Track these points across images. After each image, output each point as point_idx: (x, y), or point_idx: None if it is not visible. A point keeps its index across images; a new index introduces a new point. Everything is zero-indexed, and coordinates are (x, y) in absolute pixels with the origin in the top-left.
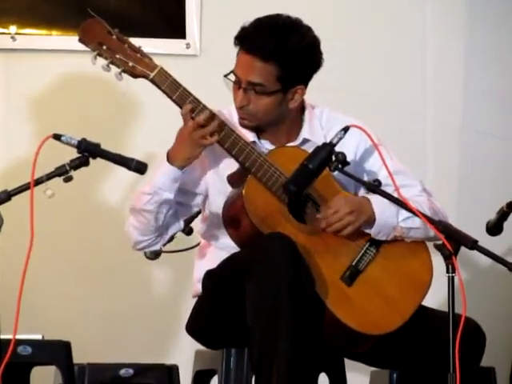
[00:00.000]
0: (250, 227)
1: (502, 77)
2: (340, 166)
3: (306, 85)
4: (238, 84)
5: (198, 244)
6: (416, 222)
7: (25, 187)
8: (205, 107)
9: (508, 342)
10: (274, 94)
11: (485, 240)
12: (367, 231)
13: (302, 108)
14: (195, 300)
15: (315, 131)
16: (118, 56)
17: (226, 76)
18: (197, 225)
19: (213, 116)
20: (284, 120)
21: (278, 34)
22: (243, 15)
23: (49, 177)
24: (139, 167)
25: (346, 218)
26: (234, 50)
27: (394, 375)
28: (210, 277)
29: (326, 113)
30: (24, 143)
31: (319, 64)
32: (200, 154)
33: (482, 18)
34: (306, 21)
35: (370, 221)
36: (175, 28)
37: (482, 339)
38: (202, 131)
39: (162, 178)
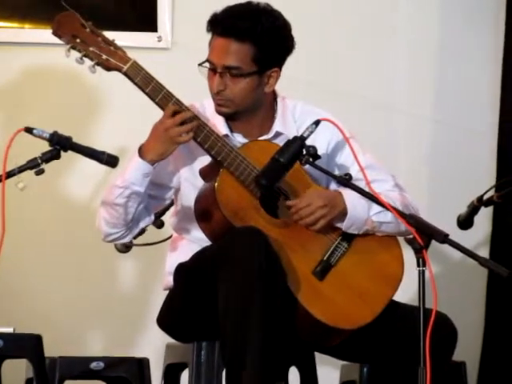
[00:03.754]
0: (221, 221)
1: (473, 71)
2: (311, 159)
3: (280, 68)
4: (213, 70)
5: (170, 237)
6: (387, 216)
7: None
8: (178, 101)
9: (478, 337)
10: (250, 75)
11: (456, 234)
12: (339, 225)
13: (274, 99)
14: (166, 293)
15: (288, 124)
16: (91, 49)
17: (200, 64)
18: (168, 218)
19: (194, 117)
20: (259, 107)
21: (251, 15)
22: (214, 9)
23: (20, 169)
24: (110, 160)
25: (318, 212)
26: (206, 42)
27: (365, 369)
28: (181, 270)
29: (299, 106)
30: None
31: (292, 46)
32: (174, 150)
33: (454, 12)
34: None
35: (342, 214)
36: (147, 21)
37: (452, 333)
38: (178, 129)
39: (133, 172)
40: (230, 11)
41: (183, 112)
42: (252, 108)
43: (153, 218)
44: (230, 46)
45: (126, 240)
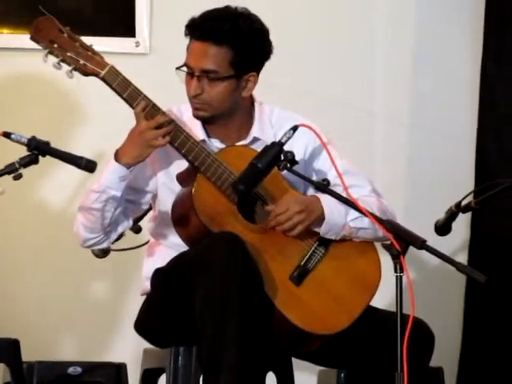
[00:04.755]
0: (198, 226)
1: (450, 76)
2: (289, 165)
3: (258, 73)
4: (190, 74)
5: (147, 242)
6: (365, 222)
7: None
8: (155, 106)
9: (456, 342)
10: (228, 79)
11: (434, 240)
12: (316, 230)
13: (251, 103)
14: (143, 298)
15: (265, 130)
16: (69, 54)
17: (178, 68)
18: (146, 223)
19: (168, 119)
20: (236, 112)
21: (230, 19)
22: (193, 14)
23: None
24: (88, 165)
25: (295, 217)
26: (184, 47)
27: (342, 375)
28: (159, 275)
29: (276, 111)
30: None
31: (270, 51)
32: (150, 154)
33: (432, 15)
34: None
35: (320, 220)
36: (125, 27)
37: (430, 339)
38: (154, 132)
39: (109, 176)
40: (207, 15)
41: (159, 116)
42: (229, 112)
43: (131, 222)
44: (208, 50)
45: (104, 245)
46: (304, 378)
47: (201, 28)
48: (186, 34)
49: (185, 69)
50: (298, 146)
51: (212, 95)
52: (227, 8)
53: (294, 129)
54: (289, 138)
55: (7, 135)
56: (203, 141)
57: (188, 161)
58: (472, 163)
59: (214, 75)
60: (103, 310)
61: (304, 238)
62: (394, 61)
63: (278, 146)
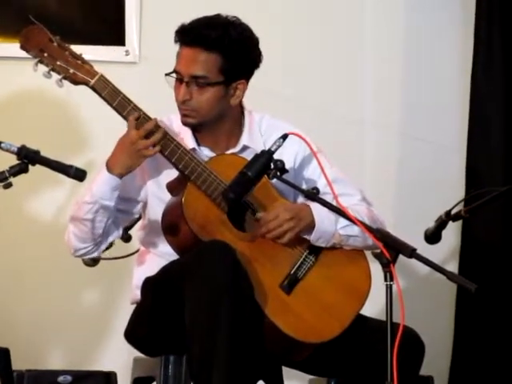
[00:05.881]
0: (189, 235)
1: (440, 85)
2: (278, 173)
3: (247, 81)
4: (180, 80)
5: (137, 251)
6: (355, 230)
7: None
8: (145, 115)
9: (446, 351)
10: (217, 85)
11: (424, 248)
12: (306, 237)
13: (241, 112)
14: (133, 307)
15: (255, 138)
16: (58, 63)
17: (167, 74)
18: (135, 232)
19: (157, 127)
20: (225, 119)
21: (220, 26)
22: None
23: None
24: (78, 174)
25: (285, 225)
26: (174, 56)
27: (332, 383)
28: (149, 284)
29: (265, 119)
30: None
31: (259, 60)
32: (141, 163)
33: (420, 28)
34: None
35: (310, 227)
36: (115, 35)
37: (420, 348)
38: (144, 142)
39: (101, 187)
40: (198, 22)
41: (147, 124)
42: (217, 120)
43: (121, 232)
44: (198, 56)
45: (95, 255)
46: None
47: (191, 34)
48: (175, 41)
49: (174, 75)
50: (288, 155)
51: (200, 101)
52: (218, 16)
53: (284, 137)
54: (278, 147)
55: None
56: (193, 149)
57: (178, 169)
58: (462, 172)
59: (204, 81)
60: (93, 318)
61: (294, 246)
62: (384, 71)
63: (267, 155)
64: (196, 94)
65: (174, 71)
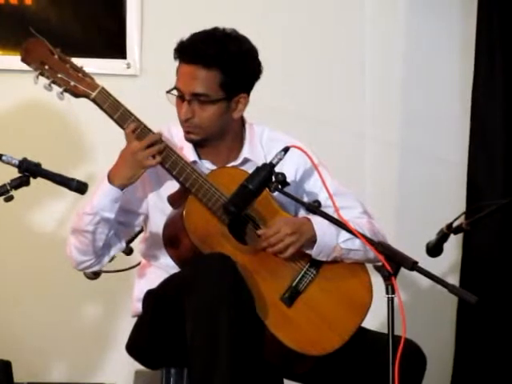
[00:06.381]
0: (190, 247)
1: (440, 98)
2: (280, 186)
3: (248, 93)
4: (181, 98)
5: (139, 264)
6: (356, 243)
7: None
8: (146, 127)
9: (448, 364)
10: (218, 102)
11: (425, 261)
12: (308, 252)
13: (242, 125)
14: (135, 319)
15: (256, 151)
16: (59, 75)
17: (168, 92)
18: (137, 245)
19: (158, 138)
20: (227, 133)
21: (218, 42)
22: (184, 35)
23: None
24: (80, 187)
25: (286, 239)
26: (175, 69)
27: None
28: (150, 297)
29: (266, 132)
30: None
31: (259, 72)
32: (142, 174)
33: (421, 40)
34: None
35: (311, 241)
36: (116, 48)
37: (422, 361)
38: (145, 152)
39: (102, 198)
40: (195, 38)
41: (149, 135)
42: (220, 134)
43: (124, 244)
44: (198, 73)
45: (97, 268)
46: None
47: (189, 52)
48: (174, 58)
49: (175, 92)
50: (289, 167)
51: (203, 118)
52: (215, 30)
53: (285, 150)
54: (280, 160)
55: None
56: (194, 162)
57: (179, 182)
58: (463, 184)
59: (205, 98)
60: (95, 331)
61: (295, 259)
62: (385, 84)
63: (268, 168)
64: (198, 111)
65: (175, 88)
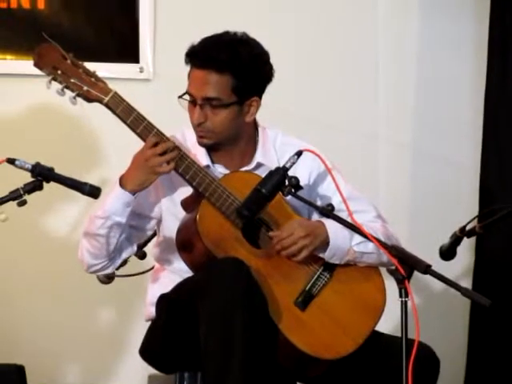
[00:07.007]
0: (203, 252)
1: (454, 102)
2: (293, 190)
3: (260, 97)
4: (193, 102)
5: (152, 268)
6: (369, 246)
7: None
8: (159, 132)
9: (461, 367)
10: (231, 106)
11: (438, 264)
12: (321, 255)
13: (255, 128)
14: (148, 324)
15: (269, 155)
16: (72, 80)
17: (180, 97)
18: (150, 249)
19: (172, 145)
20: (240, 137)
21: (229, 46)
22: (196, 40)
23: (2, 201)
24: (93, 191)
25: (300, 242)
26: (187, 73)
27: None
28: (163, 301)
29: (280, 136)
30: None
31: (271, 75)
32: (155, 180)
33: (433, 44)
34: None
35: (324, 244)
36: (129, 52)
37: (435, 364)
38: (159, 159)
39: (114, 202)
40: (207, 43)
41: (164, 142)
42: (233, 138)
43: (135, 248)
44: (209, 78)
45: (109, 271)
46: None
47: (201, 56)
48: (186, 62)
49: (187, 97)
50: (302, 171)
51: (216, 123)
52: (226, 34)
53: (299, 154)
54: (293, 164)
55: (11, 161)
56: (207, 166)
57: (192, 187)
58: (476, 188)
59: (217, 103)
60: (108, 335)
61: (308, 262)
62: (398, 85)
63: (282, 172)
64: (211, 116)
65: (187, 93)
